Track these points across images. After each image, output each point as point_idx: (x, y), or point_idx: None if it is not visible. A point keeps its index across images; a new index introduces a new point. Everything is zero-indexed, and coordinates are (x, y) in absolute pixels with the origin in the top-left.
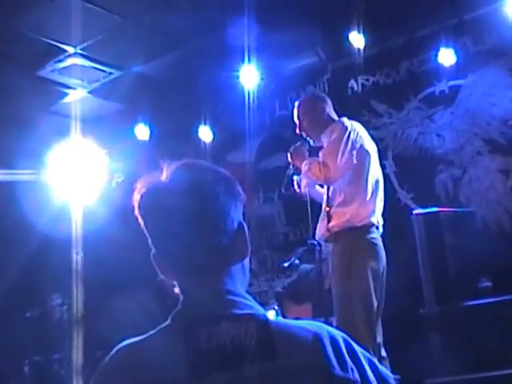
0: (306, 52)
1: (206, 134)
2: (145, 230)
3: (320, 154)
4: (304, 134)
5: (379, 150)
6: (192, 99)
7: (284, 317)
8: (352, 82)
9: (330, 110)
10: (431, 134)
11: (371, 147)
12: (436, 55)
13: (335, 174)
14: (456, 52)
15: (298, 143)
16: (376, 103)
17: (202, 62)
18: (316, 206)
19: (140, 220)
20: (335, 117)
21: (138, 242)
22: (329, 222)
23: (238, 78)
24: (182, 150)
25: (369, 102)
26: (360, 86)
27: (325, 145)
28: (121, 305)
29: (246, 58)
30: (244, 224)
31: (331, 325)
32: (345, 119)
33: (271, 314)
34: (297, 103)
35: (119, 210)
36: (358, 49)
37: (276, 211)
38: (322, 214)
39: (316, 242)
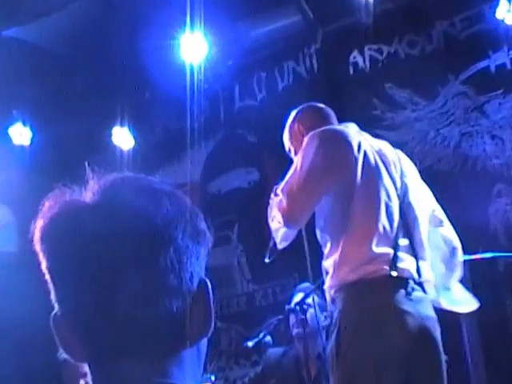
0: (283, 8)
1: (122, 138)
2: (47, 276)
3: None
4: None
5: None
6: (101, 84)
7: None
8: (355, 55)
9: (316, 122)
10: (482, 134)
11: (370, 159)
12: (492, 10)
13: (293, 210)
14: None
15: None
16: (393, 88)
17: (117, 26)
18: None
19: (41, 258)
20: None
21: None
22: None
23: (175, 50)
24: (84, 162)
25: (382, 85)
26: (368, 60)
27: None
28: None
29: (188, 20)
30: (207, 283)
31: None
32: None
33: None
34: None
35: None
36: (366, 3)
37: (235, 260)
38: None
39: (298, 307)
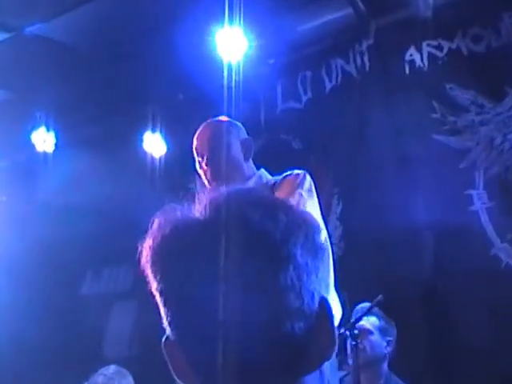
0: (331, 0)
1: (154, 144)
2: (158, 298)
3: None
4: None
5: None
6: (131, 85)
7: None
8: (412, 52)
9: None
10: None
11: None
12: None
13: None
14: None
15: None
16: (455, 88)
17: (148, 21)
18: None
19: (152, 279)
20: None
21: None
22: None
23: (211, 47)
24: (112, 171)
25: (442, 85)
26: (426, 58)
27: None
28: None
29: (227, 15)
30: (329, 302)
31: None
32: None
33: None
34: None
35: None
36: None
37: None
38: None
39: (349, 332)
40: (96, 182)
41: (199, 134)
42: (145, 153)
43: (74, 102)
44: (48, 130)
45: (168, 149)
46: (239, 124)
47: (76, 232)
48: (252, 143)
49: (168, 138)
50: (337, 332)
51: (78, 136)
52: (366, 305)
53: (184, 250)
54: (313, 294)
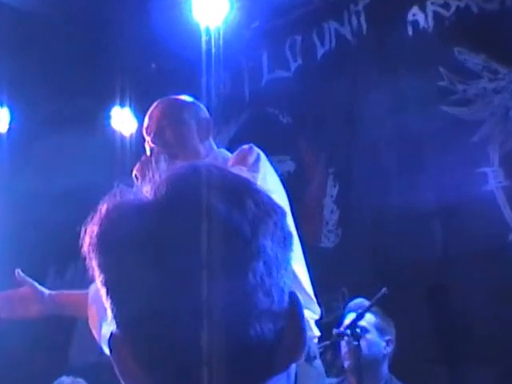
0: None
1: (123, 121)
2: (103, 291)
3: None
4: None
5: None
6: (97, 54)
7: None
8: (415, 12)
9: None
10: None
11: None
12: None
13: None
14: None
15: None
16: (464, 52)
17: None
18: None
19: (95, 269)
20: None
21: None
22: None
23: (187, 11)
24: (76, 151)
25: (449, 49)
26: (431, 18)
27: None
28: None
29: None
30: (298, 298)
31: None
32: None
33: None
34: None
35: None
36: None
37: None
38: None
39: (350, 331)
40: (59, 164)
41: (150, 111)
42: (113, 131)
43: (31, 75)
44: (1, 106)
45: (139, 125)
46: (199, 104)
47: (38, 220)
48: (210, 123)
49: (139, 113)
50: (307, 331)
51: (36, 113)
52: (361, 300)
53: (130, 238)
54: (282, 289)
